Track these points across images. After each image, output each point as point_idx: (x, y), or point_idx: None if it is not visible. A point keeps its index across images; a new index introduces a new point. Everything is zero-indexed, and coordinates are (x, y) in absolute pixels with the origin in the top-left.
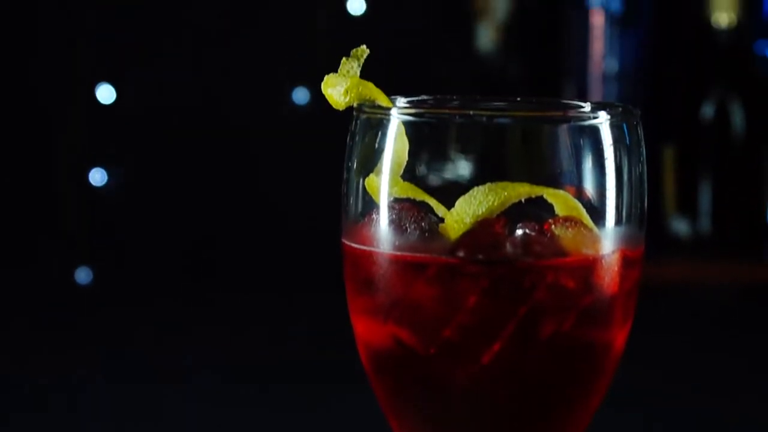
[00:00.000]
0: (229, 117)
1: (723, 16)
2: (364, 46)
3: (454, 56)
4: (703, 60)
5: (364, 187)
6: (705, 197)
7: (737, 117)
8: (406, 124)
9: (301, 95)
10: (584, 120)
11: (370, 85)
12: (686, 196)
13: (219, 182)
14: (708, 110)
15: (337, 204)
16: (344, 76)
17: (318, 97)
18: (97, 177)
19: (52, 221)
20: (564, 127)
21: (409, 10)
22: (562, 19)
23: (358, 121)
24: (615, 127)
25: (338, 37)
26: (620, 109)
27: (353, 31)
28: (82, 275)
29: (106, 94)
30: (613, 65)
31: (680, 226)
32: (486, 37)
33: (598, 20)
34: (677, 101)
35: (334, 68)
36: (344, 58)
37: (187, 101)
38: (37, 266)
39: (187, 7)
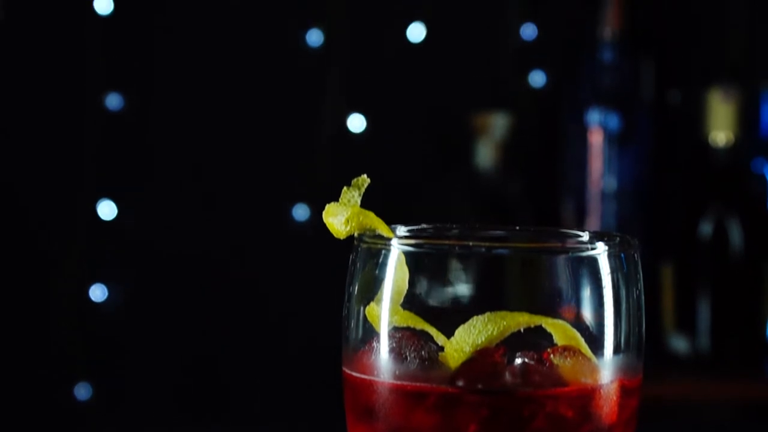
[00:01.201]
0: (230, 235)
1: (720, 135)
2: (365, 176)
3: (453, 173)
4: (701, 178)
5: (364, 315)
6: (704, 315)
7: (735, 235)
8: (406, 254)
9: (301, 212)
10: (582, 251)
11: (371, 214)
12: (685, 313)
13: (219, 301)
14: (706, 228)
15: (337, 328)
16: (345, 205)
17: (318, 215)
18: (98, 293)
19: (51, 337)
20: (562, 258)
21: (408, 127)
22: (561, 138)
23: (359, 250)
24: (613, 257)
25: (338, 154)
26: (618, 239)
27: (353, 147)
28: (82, 391)
29: (107, 210)
30: (612, 183)
31: (679, 344)
32: (485, 155)
33: (596, 139)
34: (675, 219)
35: (334, 185)
36: (345, 188)
37: (188, 218)
38: (36, 382)
39: (188, 123)
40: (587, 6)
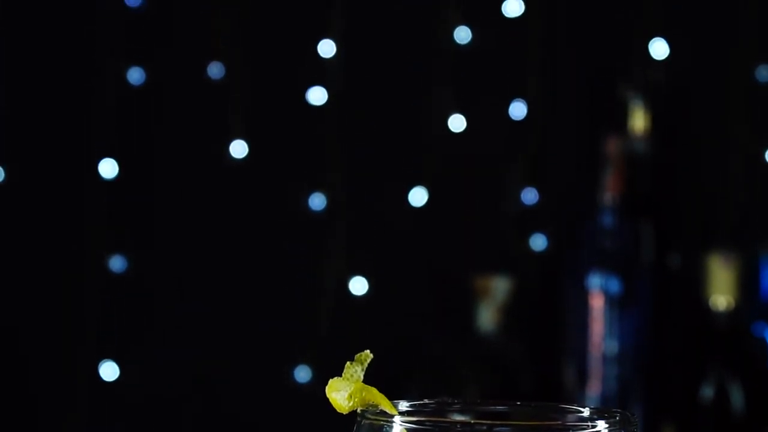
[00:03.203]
0: (234, 397)
1: (721, 299)
2: (368, 351)
3: (455, 336)
4: (701, 341)
5: None
6: None
7: (736, 398)
8: (408, 431)
9: (302, 374)
10: (583, 429)
11: (374, 390)
12: None
13: None
14: (707, 391)
15: None
16: (348, 380)
17: (319, 377)
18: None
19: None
20: None
21: (410, 289)
22: (562, 301)
23: (361, 425)
24: None
25: (340, 316)
26: (618, 416)
27: (355, 310)
28: None
29: (109, 371)
30: (613, 346)
31: None
32: (486, 317)
33: (597, 302)
34: (677, 381)
35: (336, 350)
36: (348, 363)
37: (192, 380)
38: None
39: (190, 288)
40: (587, 171)
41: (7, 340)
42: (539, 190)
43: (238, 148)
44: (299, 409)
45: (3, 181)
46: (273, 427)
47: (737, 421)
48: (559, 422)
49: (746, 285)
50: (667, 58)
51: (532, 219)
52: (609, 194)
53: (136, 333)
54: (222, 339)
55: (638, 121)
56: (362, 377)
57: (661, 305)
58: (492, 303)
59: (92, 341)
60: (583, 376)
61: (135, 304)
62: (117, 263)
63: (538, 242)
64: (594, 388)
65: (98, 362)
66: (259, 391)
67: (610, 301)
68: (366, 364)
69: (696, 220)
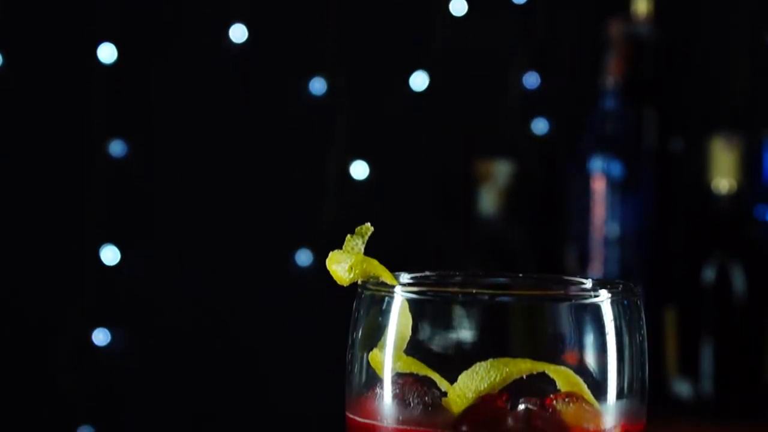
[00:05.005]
0: (233, 280)
1: (723, 182)
2: (368, 224)
3: (456, 220)
4: (703, 224)
5: (367, 362)
6: (707, 359)
7: (738, 280)
8: (409, 301)
9: (303, 258)
10: (585, 298)
11: (375, 262)
12: (688, 358)
13: (221, 345)
14: (709, 274)
15: (341, 374)
16: (348, 252)
17: (320, 261)
18: (101, 337)
19: (52, 380)
20: (565, 305)
21: (411, 174)
22: (564, 185)
23: (363, 297)
24: (616, 304)
25: (341, 200)
26: (621, 286)
27: (356, 194)
28: None
29: (110, 255)
30: (615, 230)
31: (682, 389)
32: (488, 202)
33: (599, 186)
34: (678, 265)
35: (337, 231)
36: (349, 236)
37: (191, 263)
38: (37, 425)
39: (190, 170)
40: (590, 55)
41: (5, 224)
42: (541, 74)
43: (238, 33)
44: (300, 292)
45: (2, 65)
46: (274, 310)
47: (738, 303)
48: (562, 292)
49: (749, 168)
50: None
51: (534, 103)
52: (611, 78)
53: (137, 217)
54: (222, 223)
55: (641, 3)
56: (363, 250)
57: (664, 188)
58: (493, 187)
59: (93, 226)
60: (584, 259)
61: (135, 188)
62: (117, 148)
63: (540, 126)
64: (595, 271)
65: (99, 246)
66: (261, 275)
67: (612, 184)
68: (366, 237)
69: (699, 103)
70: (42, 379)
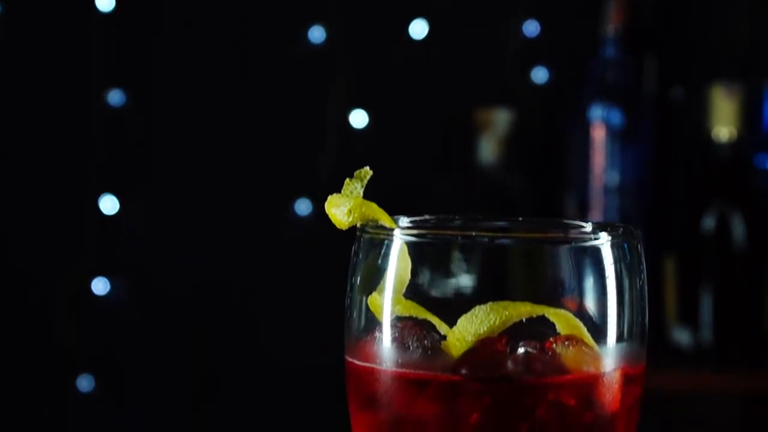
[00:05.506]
0: (233, 228)
1: (723, 131)
2: (367, 168)
3: (456, 169)
4: (703, 173)
5: (367, 305)
6: (706, 308)
7: (738, 229)
8: (408, 244)
9: (303, 207)
10: (585, 241)
11: (373, 205)
12: (688, 306)
13: (221, 292)
14: (709, 222)
15: (340, 319)
16: (347, 196)
17: (320, 210)
18: (100, 286)
19: (52, 329)
20: (565, 248)
21: (411, 122)
22: (563, 133)
23: (362, 241)
24: (616, 247)
25: (341, 149)
26: (621, 229)
27: (356, 143)
28: (84, 383)
29: (109, 205)
30: (614, 178)
31: (682, 337)
32: (488, 150)
33: (599, 134)
34: (678, 213)
35: (336, 180)
36: (347, 179)
37: (190, 212)
38: (38, 374)
39: (190, 118)
40: (590, 3)
41: (3, 174)
42: (541, 22)
43: None
44: (300, 240)
45: (1, 14)
46: (273, 259)
47: (738, 252)
48: (562, 235)
49: (749, 116)
50: None
51: (534, 51)
52: (612, 26)
53: (135, 167)
54: (221, 172)
55: None
56: (362, 193)
57: (663, 137)
58: (493, 136)
59: (93, 175)
60: (584, 208)
61: (134, 138)
62: (115, 97)
63: (540, 75)
64: (595, 219)
65: (98, 196)
66: (260, 224)
67: (612, 133)
68: (365, 181)
69: (699, 51)
70: (42, 328)
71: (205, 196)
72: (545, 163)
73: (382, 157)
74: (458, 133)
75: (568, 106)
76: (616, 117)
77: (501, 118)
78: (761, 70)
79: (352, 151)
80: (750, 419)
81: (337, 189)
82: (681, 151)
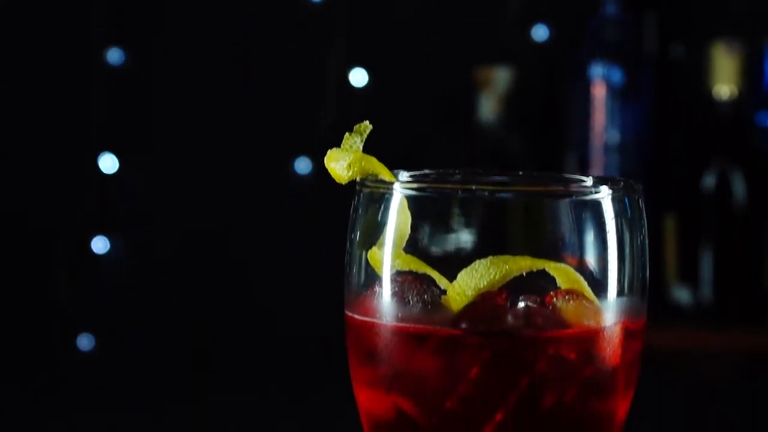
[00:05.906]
0: (233, 187)
1: (724, 88)
2: (367, 122)
3: (456, 127)
4: (704, 131)
5: (366, 260)
6: (707, 266)
7: (738, 187)
8: (408, 198)
9: (303, 165)
10: (586, 195)
11: (373, 159)
12: (688, 264)
13: (221, 251)
14: (709, 180)
15: (340, 274)
16: (347, 150)
17: (319, 168)
18: (100, 245)
19: (51, 288)
20: (566, 201)
21: (410, 81)
22: (564, 91)
23: (361, 195)
24: (617, 201)
25: (340, 107)
26: (622, 183)
27: (355, 101)
28: (84, 342)
29: (108, 164)
30: (615, 136)
31: (682, 295)
32: (488, 108)
33: (599, 92)
34: (678, 171)
35: (336, 140)
36: (347, 133)
37: (190, 170)
38: (36, 334)
39: (190, 78)
40: None
41: (3, 132)
42: None
43: None
44: (299, 198)
45: None
46: (273, 218)
47: (738, 210)
48: (562, 188)
49: (750, 74)
50: None
51: (534, 9)
52: None
53: (135, 126)
54: (221, 132)
55: None
56: (361, 147)
57: (664, 95)
58: (493, 94)
59: (93, 134)
60: (584, 166)
61: (133, 97)
62: (115, 56)
63: (540, 32)
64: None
65: (98, 154)
66: (260, 183)
67: (613, 91)
68: (365, 135)
69: (700, 8)
70: (41, 287)
71: (205, 155)
72: (545, 122)
73: (383, 117)
74: (458, 91)
75: (569, 64)
76: (617, 75)
77: (501, 76)
78: (762, 27)
79: (353, 110)
80: (750, 377)
81: (337, 146)
82: (681, 109)
